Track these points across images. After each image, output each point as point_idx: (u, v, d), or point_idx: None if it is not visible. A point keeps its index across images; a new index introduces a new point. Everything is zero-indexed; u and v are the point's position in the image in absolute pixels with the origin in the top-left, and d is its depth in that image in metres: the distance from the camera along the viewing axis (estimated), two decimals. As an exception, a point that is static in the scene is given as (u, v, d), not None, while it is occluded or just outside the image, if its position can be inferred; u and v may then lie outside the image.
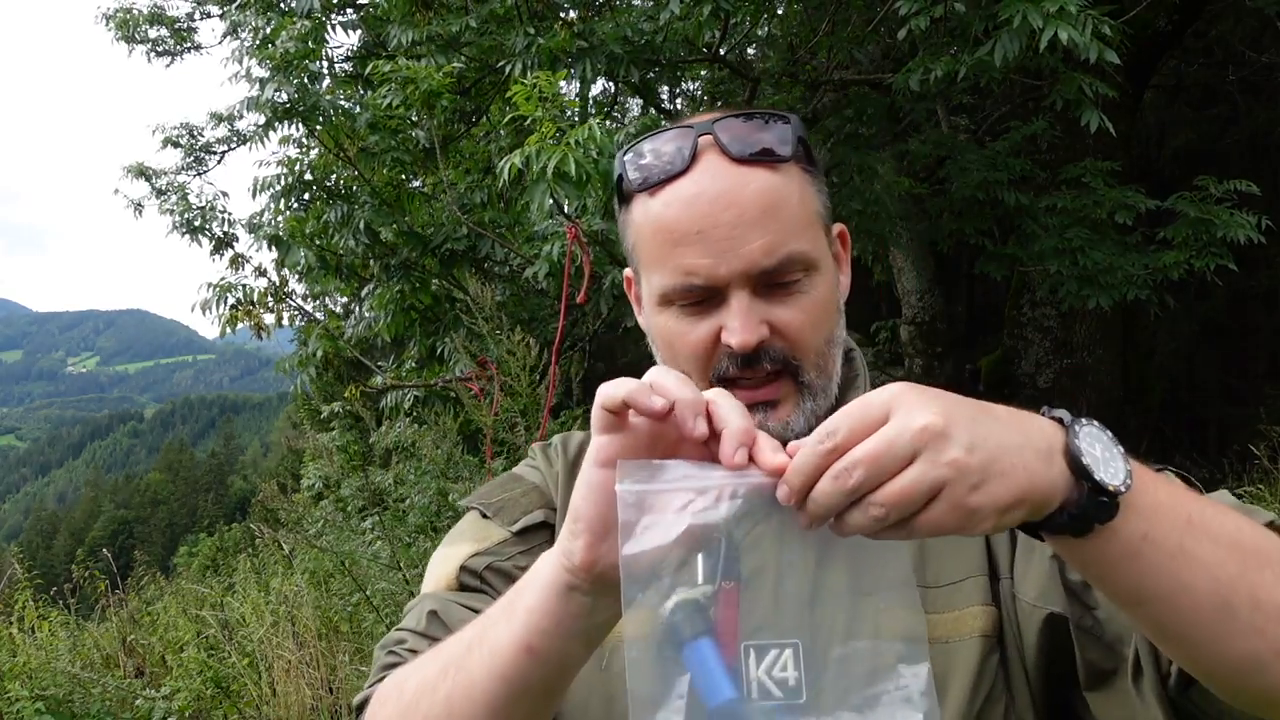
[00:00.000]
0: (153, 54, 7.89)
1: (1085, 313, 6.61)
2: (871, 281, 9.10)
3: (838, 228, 1.07)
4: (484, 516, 1.12)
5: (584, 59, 5.02)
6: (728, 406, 0.71)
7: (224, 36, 7.62)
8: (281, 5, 6.22)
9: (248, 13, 6.15)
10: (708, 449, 0.71)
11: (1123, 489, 0.69)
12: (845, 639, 0.74)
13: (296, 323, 6.97)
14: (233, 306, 6.08)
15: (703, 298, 0.97)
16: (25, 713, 4.11)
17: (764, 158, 0.97)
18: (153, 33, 7.75)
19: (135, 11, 7.63)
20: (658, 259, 0.99)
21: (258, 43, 5.66)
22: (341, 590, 5.50)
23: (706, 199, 0.95)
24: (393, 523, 4.92)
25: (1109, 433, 0.72)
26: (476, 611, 0.97)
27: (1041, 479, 0.69)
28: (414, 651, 0.98)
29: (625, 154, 1.02)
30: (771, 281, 0.96)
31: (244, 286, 6.17)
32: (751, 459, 0.69)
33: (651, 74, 6.10)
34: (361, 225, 5.65)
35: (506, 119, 4.63)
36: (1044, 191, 6.32)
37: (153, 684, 4.89)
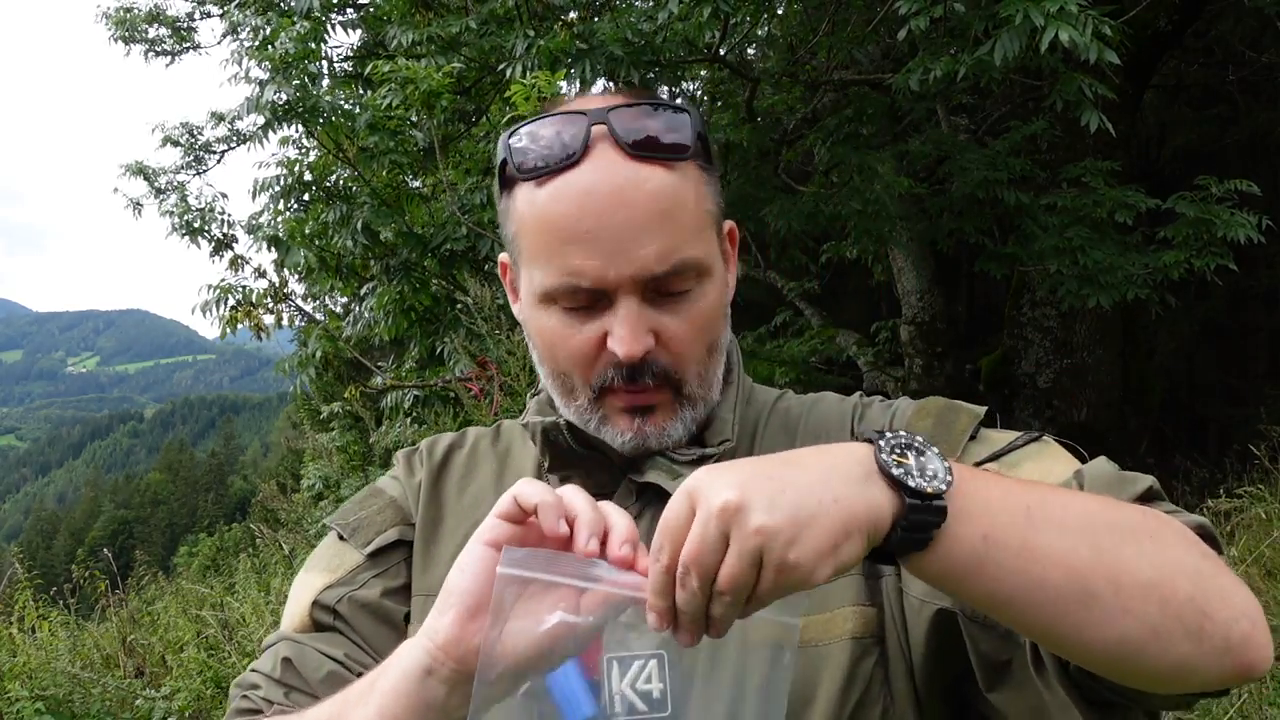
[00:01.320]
0: (151, 54, 7.91)
1: (1085, 313, 6.61)
2: (871, 281, 9.10)
3: (728, 225, 1.01)
4: (341, 538, 1.05)
5: (583, 60, 5.01)
6: (582, 501, 0.75)
7: (223, 36, 7.63)
8: (281, 5, 6.22)
9: (247, 12, 6.14)
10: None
11: (943, 488, 0.69)
12: (712, 648, 0.73)
13: (296, 323, 6.97)
14: (233, 308, 6.08)
15: (588, 301, 0.92)
16: (25, 713, 4.11)
17: (661, 154, 0.90)
18: (152, 32, 7.77)
19: (135, 11, 7.64)
20: (542, 255, 0.92)
21: (257, 43, 5.66)
22: (341, 590, 5.49)
23: (598, 196, 0.88)
24: (393, 523, 4.91)
25: (920, 437, 0.72)
26: (329, 656, 0.97)
27: (859, 505, 0.68)
28: (268, 700, 0.95)
29: (509, 136, 0.94)
30: (661, 289, 0.91)
31: (244, 288, 6.17)
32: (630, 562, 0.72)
33: (652, 74, 6.09)
34: (360, 226, 5.65)
35: (506, 119, 4.63)
36: (1044, 191, 6.31)
37: (153, 684, 4.89)
